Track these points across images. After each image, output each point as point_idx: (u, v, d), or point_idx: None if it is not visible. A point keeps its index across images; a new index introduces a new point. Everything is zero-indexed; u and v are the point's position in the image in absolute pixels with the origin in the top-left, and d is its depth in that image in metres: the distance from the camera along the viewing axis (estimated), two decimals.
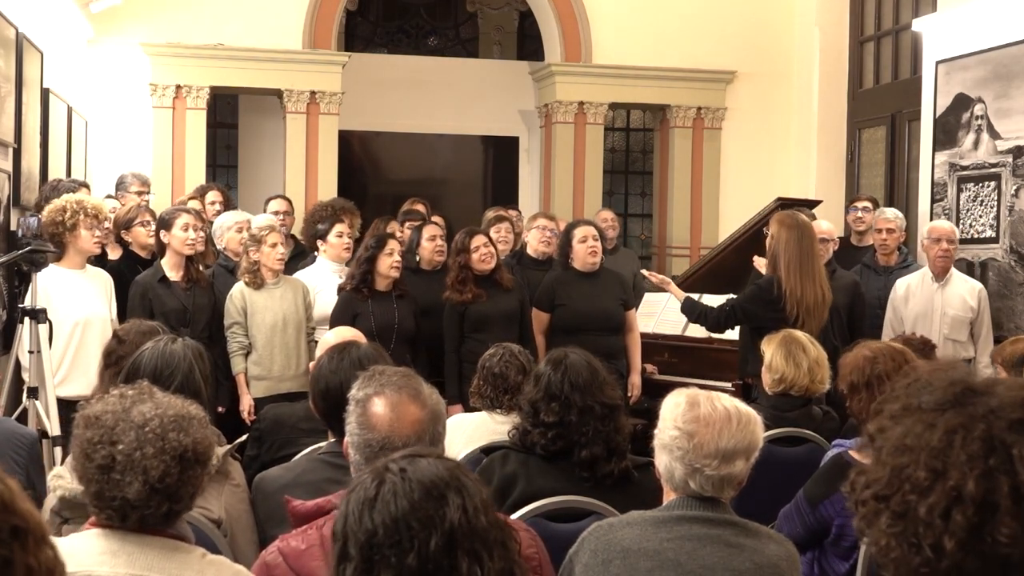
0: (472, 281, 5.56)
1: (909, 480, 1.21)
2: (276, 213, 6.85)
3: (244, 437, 3.61)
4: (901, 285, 6.10)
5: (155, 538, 2.01)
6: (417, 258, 5.90)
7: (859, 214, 6.94)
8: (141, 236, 5.76)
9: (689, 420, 2.37)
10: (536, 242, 6.30)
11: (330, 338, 3.66)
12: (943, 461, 1.19)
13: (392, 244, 5.49)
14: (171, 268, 5.28)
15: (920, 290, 6.01)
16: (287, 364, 5.40)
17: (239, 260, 5.66)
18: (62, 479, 2.48)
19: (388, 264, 5.41)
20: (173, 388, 2.86)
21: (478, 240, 5.62)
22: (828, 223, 6.04)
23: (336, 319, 5.24)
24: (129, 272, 5.51)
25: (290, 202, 7.37)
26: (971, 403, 1.23)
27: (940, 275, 5.97)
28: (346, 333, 3.73)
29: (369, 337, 3.85)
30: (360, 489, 1.67)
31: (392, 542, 1.59)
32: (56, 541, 2.01)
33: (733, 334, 5.81)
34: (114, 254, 5.89)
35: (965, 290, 5.94)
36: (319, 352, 3.37)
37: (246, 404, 5.30)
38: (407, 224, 6.57)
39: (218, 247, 5.98)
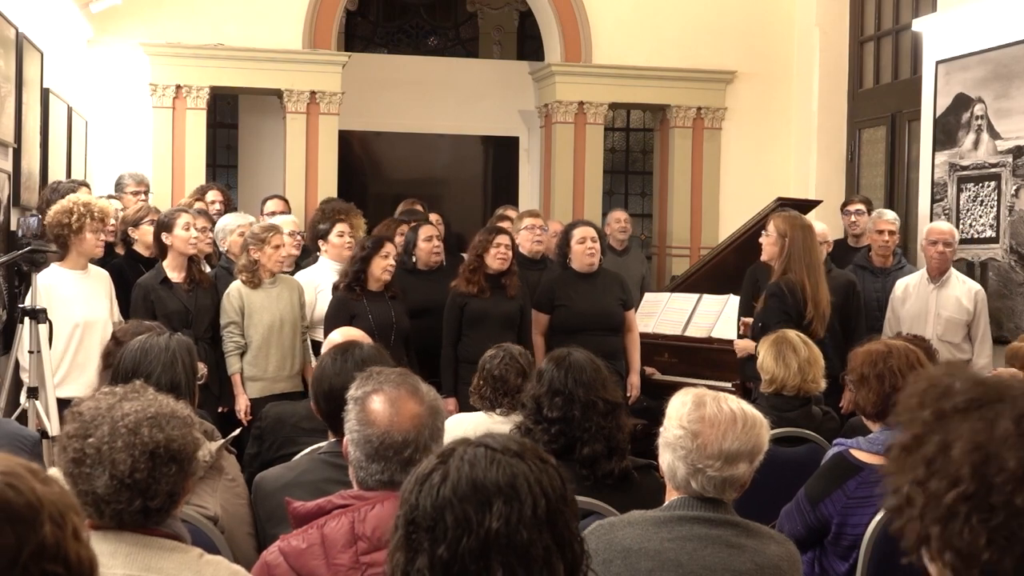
0: (482, 275, 5.57)
1: (1001, 473, 1.20)
2: (272, 213, 6.84)
3: (237, 431, 3.61)
4: (900, 286, 6.10)
5: (152, 538, 2.00)
6: (414, 259, 5.90)
7: (852, 218, 6.96)
8: (149, 235, 5.73)
9: (694, 420, 2.36)
10: (527, 242, 6.31)
11: (336, 338, 3.63)
12: None
13: (388, 247, 5.48)
14: (173, 269, 5.28)
15: (917, 291, 6.00)
16: (282, 364, 5.39)
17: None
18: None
19: (382, 267, 5.41)
20: (153, 379, 2.86)
21: (502, 239, 5.63)
22: (821, 224, 6.02)
23: (331, 320, 5.21)
24: (130, 271, 5.50)
25: (287, 202, 7.36)
26: (1011, 395, 1.26)
27: (936, 276, 5.95)
28: (353, 333, 3.72)
29: (369, 336, 3.83)
30: (426, 463, 1.62)
31: (427, 527, 1.56)
32: None
33: (733, 334, 5.81)
34: (120, 252, 5.87)
35: (961, 292, 5.91)
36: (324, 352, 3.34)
37: (242, 404, 5.28)
38: (412, 224, 6.52)
39: (221, 249, 5.96)
